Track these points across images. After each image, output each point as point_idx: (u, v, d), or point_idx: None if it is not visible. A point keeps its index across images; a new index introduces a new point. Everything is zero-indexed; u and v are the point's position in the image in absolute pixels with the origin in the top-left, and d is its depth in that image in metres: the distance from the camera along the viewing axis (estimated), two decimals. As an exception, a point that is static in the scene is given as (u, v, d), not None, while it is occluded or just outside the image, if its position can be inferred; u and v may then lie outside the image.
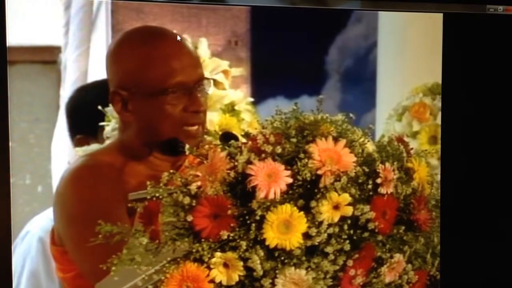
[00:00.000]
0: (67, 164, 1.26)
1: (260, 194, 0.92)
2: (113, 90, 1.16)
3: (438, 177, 1.37)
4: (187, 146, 1.04)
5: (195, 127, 1.18)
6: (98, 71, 1.28)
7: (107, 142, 1.26)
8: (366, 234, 0.96)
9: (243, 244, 0.92)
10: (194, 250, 0.93)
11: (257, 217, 0.92)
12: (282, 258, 0.93)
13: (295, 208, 0.93)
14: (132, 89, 1.15)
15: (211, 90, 1.22)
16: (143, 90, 1.15)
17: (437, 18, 1.41)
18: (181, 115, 1.17)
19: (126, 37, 1.19)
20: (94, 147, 1.27)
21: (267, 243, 0.92)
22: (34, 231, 1.25)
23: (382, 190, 0.97)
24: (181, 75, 1.16)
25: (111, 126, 1.26)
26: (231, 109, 1.39)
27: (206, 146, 0.99)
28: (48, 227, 1.21)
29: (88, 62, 1.33)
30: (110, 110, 1.25)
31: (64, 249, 1.17)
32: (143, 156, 1.19)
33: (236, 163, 0.95)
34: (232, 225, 0.93)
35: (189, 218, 0.93)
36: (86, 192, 1.16)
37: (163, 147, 1.18)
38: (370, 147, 1.01)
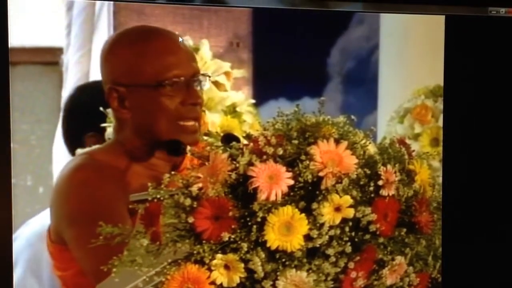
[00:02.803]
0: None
1: (262, 196, 0.92)
2: (109, 86, 1.17)
3: (440, 179, 1.37)
4: (188, 147, 1.04)
5: (192, 123, 1.18)
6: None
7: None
8: (367, 236, 0.95)
9: (244, 246, 0.92)
10: (195, 252, 0.93)
11: (258, 219, 0.92)
12: (283, 260, 0.92)
13: (296, 210, 0.92)
14: (130, 85, 1.16)
15: (206, 86, 1.22)
16: (140, 85, 1.16)
17: (439, 20, 1.41)
18: (178, 109, 1.17)
19: (121, 36, 1.21)
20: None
21: (268, 245, 0.92)
22: (25, 235, 1.24)
23: (383, 192, 0.96)
24: (177, 68, 1.17)
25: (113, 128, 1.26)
26: (232, 110, 1.39)
27: (208, 148, 0.99)
28: (41, 232, 1.20)
29: (90, 63, 1.33)
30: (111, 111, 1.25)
31: (62, 247, 1.17)
32: (143, 156, 1.19)
33: (237, 165, 0.94)
34: (233, 226, 0.93)
35: (190, 219, 0.93)
36: (89, 191, 1.16)
37: (164, 148, 1.18)
38: (372, 149, 1.01)
